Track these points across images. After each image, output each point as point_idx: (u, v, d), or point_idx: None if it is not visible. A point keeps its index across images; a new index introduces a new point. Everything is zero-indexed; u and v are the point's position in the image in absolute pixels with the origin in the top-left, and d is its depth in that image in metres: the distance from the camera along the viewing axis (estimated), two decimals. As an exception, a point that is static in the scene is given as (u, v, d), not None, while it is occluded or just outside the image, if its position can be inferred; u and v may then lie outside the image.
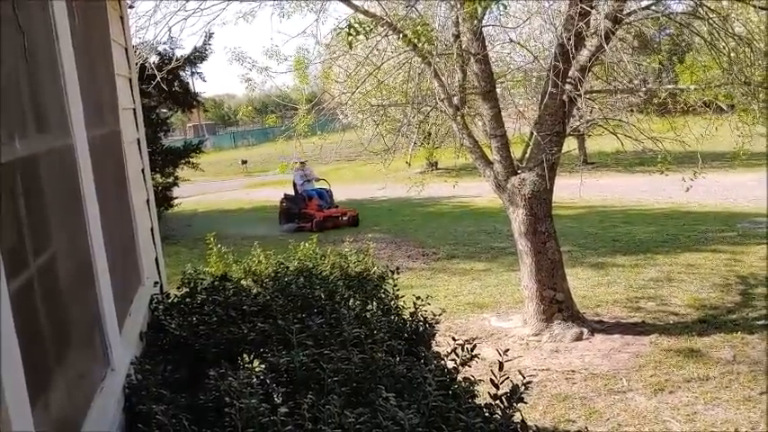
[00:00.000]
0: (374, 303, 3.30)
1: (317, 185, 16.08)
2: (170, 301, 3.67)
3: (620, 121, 7.49)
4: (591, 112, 8.17)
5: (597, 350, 6.47)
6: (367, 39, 6.25)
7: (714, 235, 10.99)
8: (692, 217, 12.71)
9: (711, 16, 6.58)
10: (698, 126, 7.26)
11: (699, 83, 6.97)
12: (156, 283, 3.95)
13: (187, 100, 18.24)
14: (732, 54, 6.54)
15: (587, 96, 6.91)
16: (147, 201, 4.26)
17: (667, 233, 11.42)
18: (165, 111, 18.50)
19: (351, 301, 3.36)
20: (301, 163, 15.33)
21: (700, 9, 6.71)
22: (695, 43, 8.33)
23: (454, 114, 7.02)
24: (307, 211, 15.14)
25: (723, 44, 6.62)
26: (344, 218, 14.83)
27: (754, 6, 6.57)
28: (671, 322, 7.05)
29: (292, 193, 15.92)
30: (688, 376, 5.70)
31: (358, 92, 7.54)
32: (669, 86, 7.28)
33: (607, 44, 6.23)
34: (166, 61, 13.12)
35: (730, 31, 6.64)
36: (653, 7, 7.29)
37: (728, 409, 5.09)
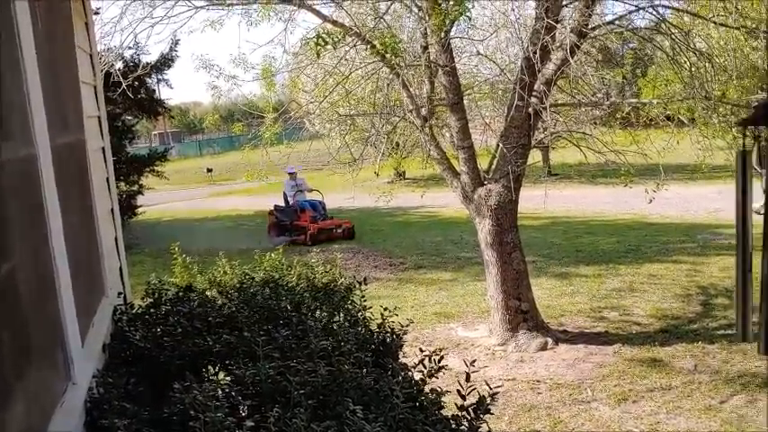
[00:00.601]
0: (341, 315, 3.28)
1: (310, 196, 15.37)
2: (134, 311, 3.61)
3: (583, 133, 7.61)
4: (556, 125, 8.28)
5: (562, 360, 6.54)
6: (335, 49, 6.26)
7: (675, 246, 11.21)
8: (654, 228, 12.95)
9: (673, 32, 6.74)
10: (660, 139, 7.41)
11: (661, 97, 7.12)
12: (119, 293, 3.89)
13: (153, 107, 18.04)
14: (693, 69, 6.70)
15: (552, 109, 7.01)
16: (112, 210, 4.19)
17: (630, 244, 11.61)
18: (130, 118, 18.25)
19: (317, 312, 3.34)
20: (291, 173, 14.70)
21: (662, 24, 6.88)
22: (657, 57, 8.51)
23: (422, 125, 7.06)
24: (299, 223, 14.49)
25: (684, 59, 6.78)
26: (339, 230, 14.29)
27: (715, 23, 6.75)
28: (634, 332, 7.16)
29: (282, 204, 15.28)
30: (651, 386, 5.79)
31: (326, 101, 7.53)
32: (632, 100, 7.42)
33: (572, 58, 6.33)
34: (132, 68, 12.96)
35: (691, 46, 6.80)
36: (617, 22, 7.44)
37: (690, 419, 5.18)
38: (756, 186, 11.90)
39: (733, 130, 7.12)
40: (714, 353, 6.39)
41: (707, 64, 6.73)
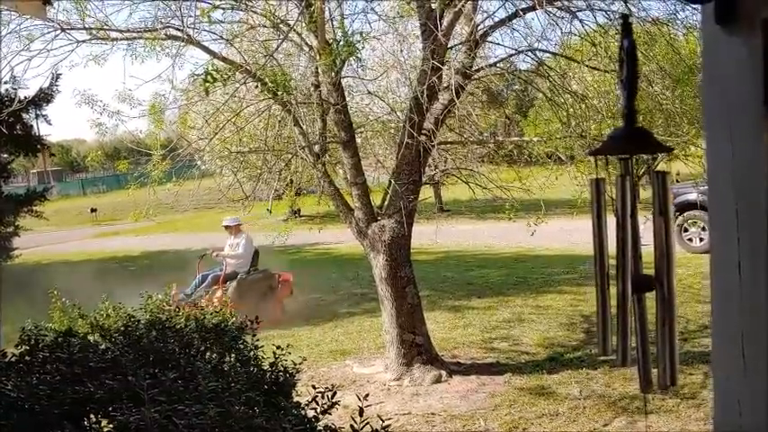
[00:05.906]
0: (232, 355, 3.21)
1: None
2: (6, 360, 3.38)
3: (471, 171, 7.89)
4: (446, 162, 8.55)
5: (455, 392, 6.64)
6: (224, 86, 6.21)
7: (559, 277, 11.72)
8: (540, 260, 13.50)
9: (551, 74, 7.16)
10: (541, 176, 7.80)
11: (541, 135, 7.52)
12: (-11, 341, 3.63)
13: (30, 144, 17.07)
14: (570, 109, 7.12)
15: (441, 147, 7.24)
16: (-19, 252, 3.93)
17: (518, 276, 12.04)
18: (5, 156, 17.21)
19: (207, 353, 3.25)
20: (227, 227, 10.70)
21: (541, 67, 7.29)
22: (538, 99, 9.00)
23: (315, 162, 7.09)
24: None
25: (562, 100, 7.20)
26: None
27: (588, 66, 7.23)
28: (523, 361, 7.39)
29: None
30: (539, 413, 5.98)
31: (216, 138, 7.43)
32: (515, 138, 7.80)
33: (458, 98, 6.59)
34: (8, 103, 12.29)
35: (568, 88, 7.24)
36: (499, 64, 7.82)
37: (576, 443, 5.38)
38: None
39: (608, 166, 7.57)
40: (597, 378, 6.68)
41: (582, 104, 7.18)
